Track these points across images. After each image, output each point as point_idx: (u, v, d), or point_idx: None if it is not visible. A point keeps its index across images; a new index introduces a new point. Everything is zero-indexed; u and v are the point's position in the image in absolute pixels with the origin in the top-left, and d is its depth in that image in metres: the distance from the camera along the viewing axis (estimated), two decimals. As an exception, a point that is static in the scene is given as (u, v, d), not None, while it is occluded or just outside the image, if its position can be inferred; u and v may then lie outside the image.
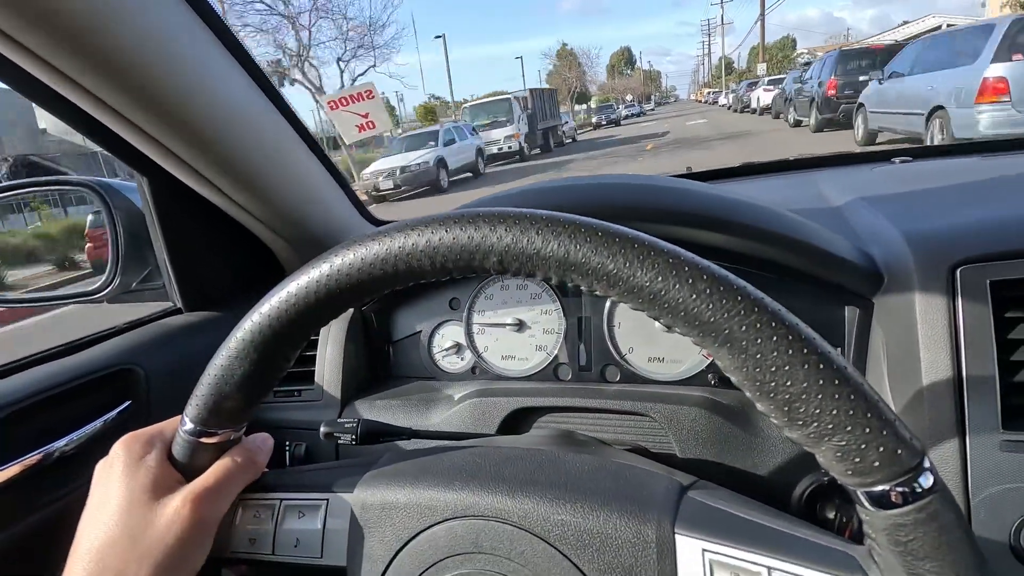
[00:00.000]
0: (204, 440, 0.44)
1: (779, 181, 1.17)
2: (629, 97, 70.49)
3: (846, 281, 0.61)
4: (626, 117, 41.25)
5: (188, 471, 0.45)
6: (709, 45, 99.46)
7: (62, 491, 0.67)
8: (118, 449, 0.45)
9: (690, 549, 0.36)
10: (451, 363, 0.82)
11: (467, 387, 0.75)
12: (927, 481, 0.27)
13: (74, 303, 1.02)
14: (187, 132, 0.63)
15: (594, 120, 38.53)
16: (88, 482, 0.46)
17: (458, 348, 0.81)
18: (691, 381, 0.69)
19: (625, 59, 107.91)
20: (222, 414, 0.43)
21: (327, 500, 0.47)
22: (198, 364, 0.42)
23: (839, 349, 0.65)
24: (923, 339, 0.53)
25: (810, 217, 0.68)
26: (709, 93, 59.29)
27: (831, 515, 0.56)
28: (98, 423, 0.71)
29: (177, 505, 0.42)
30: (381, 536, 0.44)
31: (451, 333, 0.82)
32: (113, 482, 0.43)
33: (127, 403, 0.75)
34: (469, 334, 0.80)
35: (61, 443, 0.67)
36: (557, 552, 0.39)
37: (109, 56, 0.52)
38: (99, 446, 0.69)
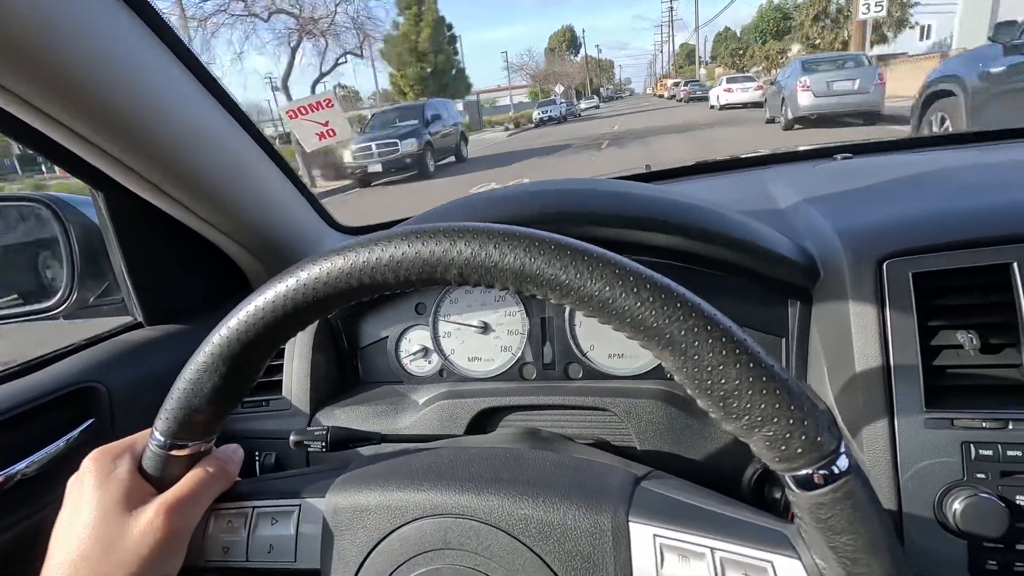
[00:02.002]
0: (175, 453, 0.45)
1: (730, 179, 1.22)
2: (559, 88, 52.40)
3: (787, 276, 0.65)
4: (542, 121, 31.47)
5: (159, 483, 0.45)
6: (672, 27, 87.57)
7: (25, 513, 0.66)
8: (88, 463, 0.45)
9: (643, 535, 0.39)
10: (419, 367, 0.83)
11: (434, 390, 0.76)
12: (844, 464, 0.31)
13: (29, 320, 0.99)
14: (141, 146, 0.63)
15: (536, 116, 32.35)
16: (53, 503, 0.46)
17: (425, 352, 0.83)
18: (649, 375, 0.72)
19: (567, 41, 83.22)
20: (192, 427, 0.43)
21: (299, 506, 0.48)
22: (162, 379, 0.43)
23: (783, 340, 0.69)
24: (855, 329, 0.57)
25: (755, 215, 0.72)
26: (679, 85, 43.59)
27: (777, 495, 0.60)
28: (60, 443, 0.70)
29: (150, 516, 0.43)
30: (353, 538, 0.46)
31: (418, 337, 0.83)
32: (85, 495, 0.44)
33: (90, 421, 0.74)
34: (435, 338, 0.81)
35: (22, 465, 0.66)
36: (521, 544, 0.42)
37: (56, 72, 0.52)
38: (63, 466, 0.68)
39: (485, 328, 0.80)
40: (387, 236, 0.36)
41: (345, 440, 0.63)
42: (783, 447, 0.30)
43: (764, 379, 0.30)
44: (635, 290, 0.32)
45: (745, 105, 20.57)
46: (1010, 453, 0.50)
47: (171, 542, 0.43)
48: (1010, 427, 0.51)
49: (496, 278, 0.34)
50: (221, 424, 0.46)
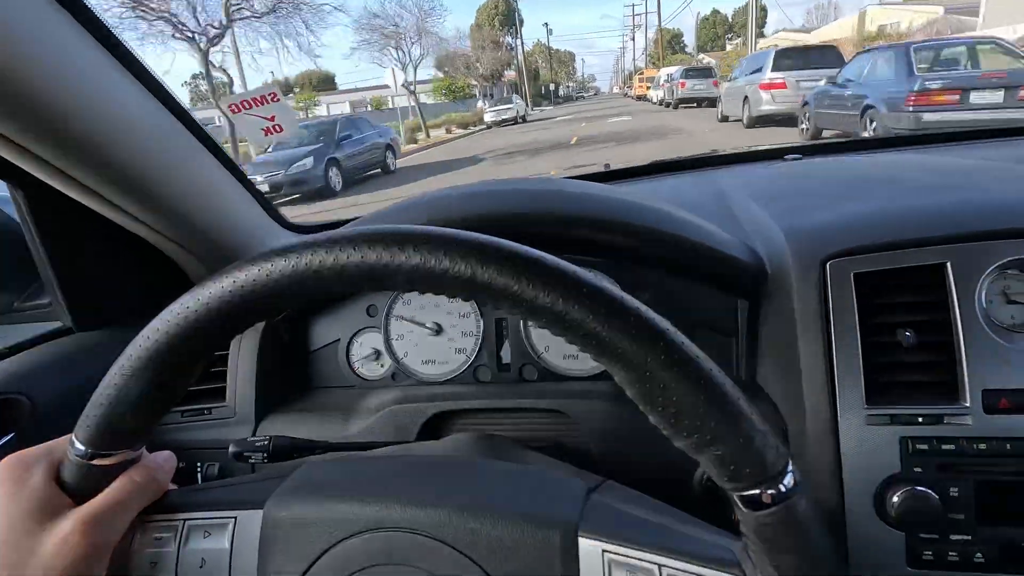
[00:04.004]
0: (97, 462, 0.41)
1: (686, 179, 1.23)
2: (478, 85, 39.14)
3: (736, 277, 0.66)
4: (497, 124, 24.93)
5: (79, 494, 0.42)
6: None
7: None
8: None
9: (591, 550, 0.39)
10: (371, 370, 0.81)
11: (386, 394, 0.74)
12: (789, 482, 0.31)
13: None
14: (60, 140, 0.58)
15: (488, 118, 26.39)
16: None
17: (377, 355, 0.81)
18: (603, 375, 0.72)
19: (500, 17, 54.60)
20: (117, 435, 0.40)
21: (235, 518, 0.45)
22: (92, 388, 0.40)
23: (733, 339, 0.70)
24: (800, 327, 0.58)
25: (707, 215, 0.72)
26: (671, 79, 22.68)
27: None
28: None
29: (66, 531, 0.39)
30: (292, 552, 0.44)
31: (369, 340, 0.81)
32: None
33: (9, 436, 0.69)
34: (388, 340, 0.79)
35: None
36: (468, 560, 0.40)
37: None
38: None
39: (439, 330, 0.78)
40: (331, 237, 0.34)
41: (289, 450, 0.60)
42: (732, 467, 0.30)
43: (716, 397, 0.30)
44: (588, 302, 0.31)
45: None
46: (945, 447, 0.52)
47: (89, 558, 0.40)
48: (945, 422, 0.52)
49: (446, 286, 0.33)
50: (150, 432, 0.43)
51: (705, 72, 21.01)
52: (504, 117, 26.44)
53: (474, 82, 45.79)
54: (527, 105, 38.25)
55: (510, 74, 51.75)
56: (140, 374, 0.38)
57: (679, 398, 0.30)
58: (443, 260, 0.32)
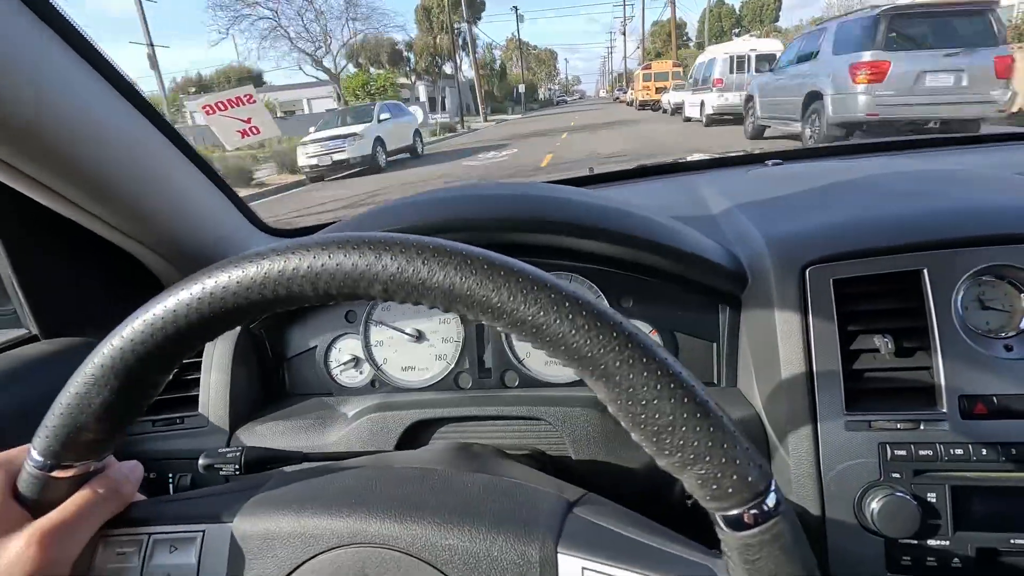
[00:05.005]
0: (56, 474, 0.40)
1: (668, 184, 1.24)
2: (421, 88, 31.75)
3: (716, 282, 0.66)
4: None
5: (37, 506, 0.40)
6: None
7: None
8: None
9: (571, 567, 0.38)
10: (349, 377, 0.80)
11: (365, 402, 0.73)
12: (772, 502, 0.31)
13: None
14: (25, 142, 0.56)
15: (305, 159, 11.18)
16: None
17: (356, 362, 0.79)
18: (583, 382, 0.71)
19: None
20: (78, 447, 0.39)
21: (203, 532, 0.44)
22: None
23: (714, 345, 0.70)
24: (780, 334, 0.58)
25: (689, 221, 0.72)
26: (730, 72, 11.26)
27: None
28: None
29: (20, 546, 0.37)
30: (262, 568, 0.42)
31: (348, 347, 0.79)
32: None
33: None
34: (367, 347, 0.78)
35: None
36: None
37: None
38: None
39: (419, 336, 0.77)
40: (305, 244, 0.33)
41: (263, 461, 0.58)
42: (714, 486, 0.30)
43: (698, 415, 0.29)
44: (570, 316, 0.30)
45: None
46: (922, 452, 0.52)
47: (46, 573, 0.38)
48: (921, 427, 0.53)
49: (424, 296, 0.32)
50: (113, 443, 0.41)
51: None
52: (339, 158, 11.51)
53: (405, 79, 34.63)
54: (460, 119, 25.41)
55: (469, 74, 40.17)
56: (104, 384, 0.36)
57: (661, 415, 0.29)
58: (422, 268, 0.31)
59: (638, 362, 0.30)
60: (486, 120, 31.46)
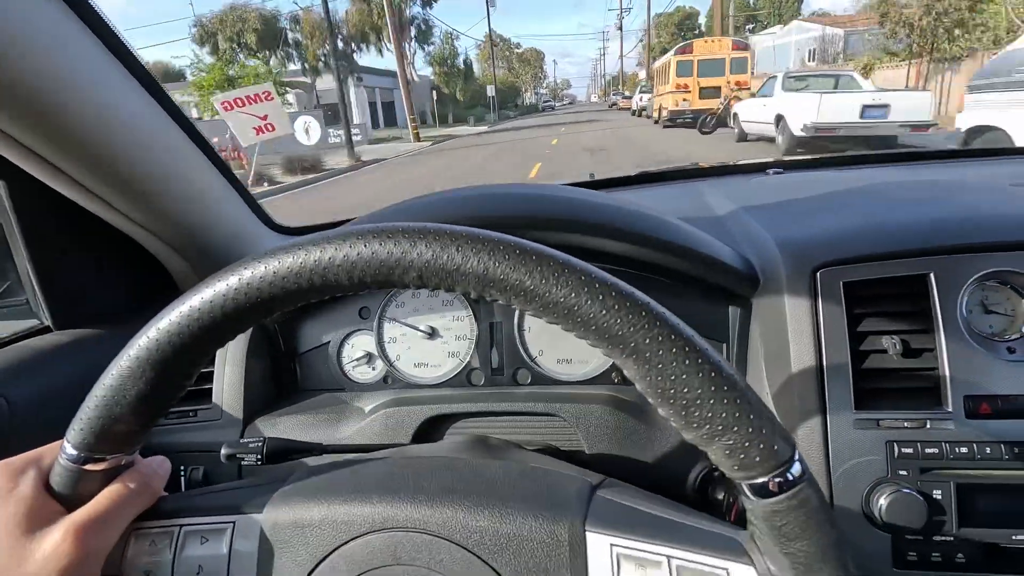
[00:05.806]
0: (89, 467, 0.40)
1: (671, 190, 1.26)
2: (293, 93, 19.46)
3: (728, 283, 0.68)
4: None
5: (70, 501, 0.41)
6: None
7: None
8: None
9: (599, 545, 0.39)
10: (362, 373, 0.80)
11: (379, 397, 0.74)
12: (797, 471, 0.32)
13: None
14: (51, 130, 0.57)
15: None
16: None
17: (369, 358, 0.80)
18: (596, 380, 0.73)
19: None
20: (112, 438, 0.39)
21: (233, 523, 0.44)
22: (72, 390, 0.39)
23: (724, 344, 0.72)
24: (791, 333, 0.60)
25: (697, 224, 0.74)
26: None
27: (720, 496, 0.61)
28: None
29: (56, 539, 0.38)
30: (294, 555, 0.43)
31: (361, 343, 0.80)
32: None
33: None
34: (380, 343, 0.78)
35: None
36: (475, 558, 0.40)
37: None
38: None
39: (432, 333, 0.78)
40: (341, 234, 0.34)
41: (284, 452, 0.59)
42: (742, 455, 0.31)
43: (725, 389, 0.31)
44: (600, 298, 0.31)
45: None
46: (928, 451, 0.54)
47: (81, 567, 0.38)
48: (928, 426, 0.55)
49: (458, 282, 0.33)
50: (144, 436, 0.42)
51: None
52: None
53: (305, 77, 25.19)
54: (347, 140, 15.23)
55: (425, 71, 31.13)
56: (139, 376, 0.37)
57: (690, 390, 0.31)
58: (456, 255, 0.32)
59: (667, 339, 0.31)
60: (418, 139, 20.59)
